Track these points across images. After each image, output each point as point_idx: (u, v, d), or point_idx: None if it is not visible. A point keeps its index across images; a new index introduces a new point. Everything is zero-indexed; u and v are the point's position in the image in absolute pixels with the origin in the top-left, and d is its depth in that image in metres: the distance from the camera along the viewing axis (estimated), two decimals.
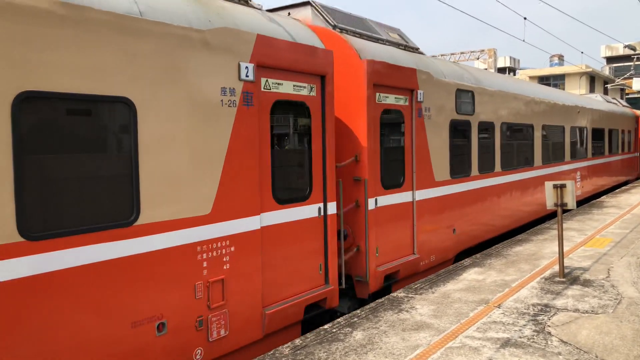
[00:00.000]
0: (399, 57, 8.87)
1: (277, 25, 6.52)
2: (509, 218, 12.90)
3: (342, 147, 8.01)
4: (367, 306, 7.34)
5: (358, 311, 7.12)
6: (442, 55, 46.80)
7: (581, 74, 52.39)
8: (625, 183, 26.84)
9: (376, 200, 8.10)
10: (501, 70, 55.79)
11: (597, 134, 20.84)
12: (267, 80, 6.16)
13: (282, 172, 6.44)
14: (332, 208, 7.14)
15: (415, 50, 10.06)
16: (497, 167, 12.19)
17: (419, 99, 9.00)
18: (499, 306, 7.26)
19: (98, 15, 4.47)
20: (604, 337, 6.05)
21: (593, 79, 55.53)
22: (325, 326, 6.57)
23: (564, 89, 51.49)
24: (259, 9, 6.77)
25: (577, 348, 5.76)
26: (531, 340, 6.00)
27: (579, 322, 6.55)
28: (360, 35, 8.64)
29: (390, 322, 6.67)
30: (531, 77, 53.40)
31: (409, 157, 8.98)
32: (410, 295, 7.85)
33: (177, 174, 5.10)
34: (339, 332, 6.37)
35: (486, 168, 11.68)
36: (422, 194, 9.23)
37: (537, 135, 14.46)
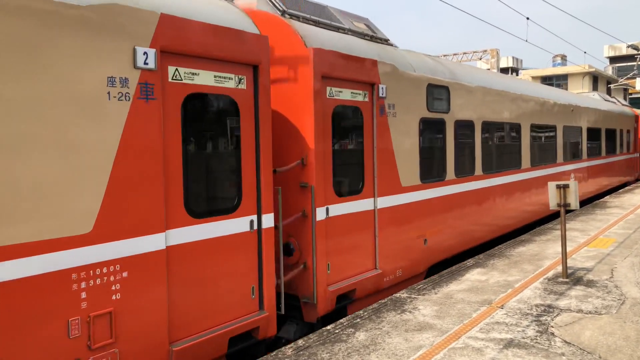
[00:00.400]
0: (358, 48, 7.90)
1: (189, 4, 5.46)
2: (491, 226, 11.80)
3: (286, 148, 7.06)
4: (370, 307, 7.34)
5: (361, 312, 7.12)
6: (444, 55, 46.77)
7: (584, 74, 52.30)
8: (625, 185, 25.99)
9: (327, 209, 7.15)
10: (504, 70, 55.72)
11: (593, 134, 19.76)
12: (176, 69, 5.22)
13: (200, 179, 5.47)
14: (268, 220, 6.12)
15: (383, 41, 9.07)
16: (478, 170, 11.14)
17: (380, 95, 8.04)
18: (502, 307, 7.24)
19: None
20: (608, 338, 6.04)
21: (596, 79, 55.42)
22: (328, 327, 6.57)
23: (566, 89, 51.40)
24: None
25: (580, 349, 5.74)
26: (534, 340, 5.99)
27: (583, 323, 6.53)
28: (316, 23, 7.69)
29: (393, 323, 6.67)
30: (534, 77, 53.33)
31: (370, 160, 7.98)
32: (413, 295, 7.84)
33: (39, 184, 4.13)
34: (341, 332, 6.37)
35: (464, 171, 10.62)
36: (385, 201, 8.20)
37: (525, 135, 13.44)
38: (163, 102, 5.04)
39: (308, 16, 7.64)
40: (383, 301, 7.58)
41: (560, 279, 8.56)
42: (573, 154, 17.42)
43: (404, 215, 8.68)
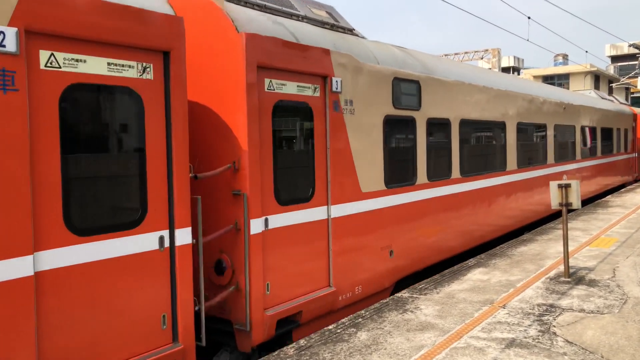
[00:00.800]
0: (309, 36, 7.05)
1: None
2: (471, 233, 10.72)
3: (218, 151, 6.16)
4: (372, 307, 7.33)
5: (362, 312, 7.12)
6: (445, 55, 46.74)
7: (586, 73, 52.23)
8: (623, 186, 25.00)
9: (266, 220, 6.23)
10: (505, 69, 55.69)
11: (588, 133, 18.71)
12: (52, 54, 4.37)
13: (87, 188, 4.56)
14: (184, 236, 5.19)
15: (345, 30, 8.25)
16: (455, 172, 10.16)
17: (334, 89, 7.13)
18: (503, 306, 7.24)
19: None
20: (610, 338, 6.03)
21: (598, 78, 55.36)
22: (330, 327, 6.57)
23: (568, 88, 51.34)
24: None
25: (582, 348, 5.74)
26: (536, 340, 5.99)
27: (585, 323, 6.52)
28: (261, 7, 6.85)
29: (394, 323, 6.67)
30: (535, 77, 53.28)
31: (321, 163, 7.04)
32: (414, 295, 7.84)
33: None
34: (343, 332, 6.37)
35: (439, 174, 9.65)
36: (341, 209, 7.30)
37: (511, 135, 12.46)
38: (31, 93, 4.16)
39: (255, 1, 6.78)
40: (385, 301, 7.57)
41: (562, 279, 8.55)
42: (565, 154, 16.37)
43: (365, 225, 7.74)
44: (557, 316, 6.78)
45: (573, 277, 8.67)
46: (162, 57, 5.09)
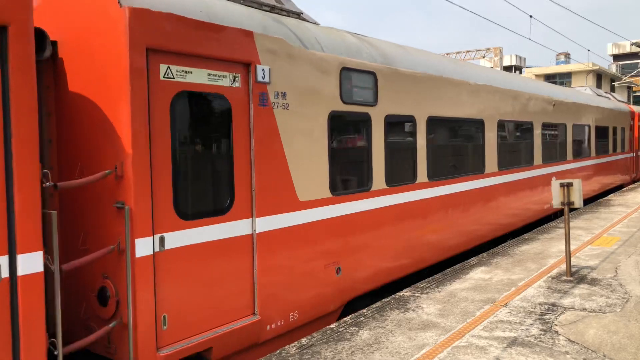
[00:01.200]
0: (229, 14, 5.88)
1: None
2: (443, 243, 9.52)
3: (100, 152, 5.04)
4: (373, 305, 7.34)
5: (364, 310, 7.12)
6: (447, 53, 46.69)
7: (588, 72, 52.15)
8: (619, 187, 23.88)
9: (162, 238, 5.10)
10: (507, 68, 55.62)
11: (582, 132, 17.42)
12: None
13: None
14: (31, 262, 4.04)
15: (291, 14, 7.29)
16: (422, 176, 8.95)
17: (260, 79, 6.01)
18: (505, 305, 7.24)
19: None
20: (612, 336, 6.03)
21: (600, 77, 55.27)
22: (332, 325, 6.57)
23: (570, 87, 51.25)
24: None
25: (584, 347, 5.73)
26: (538, 339, 5.99)
27: (587, 321, 6.52)
28: None
29: (396, 321, 6.67)
30: (537, 75, 53.21)
31: (243, 167, 5.89)
32: (416, 294, 7.84)
33: None
34: (345, 331, 6.37)
35: (402, 178, 8.42)
36: (271, 222, 6.17)
37: (491, 134, 11.24)
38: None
39: None
40: (386, 300, 7.58)
41: (564, 278, 8.55)
42: (555, 155, 14.98)
43: (303, 239, 6.61)
44: (559, 315, 6.78)
45: (575, 276, 8.66)
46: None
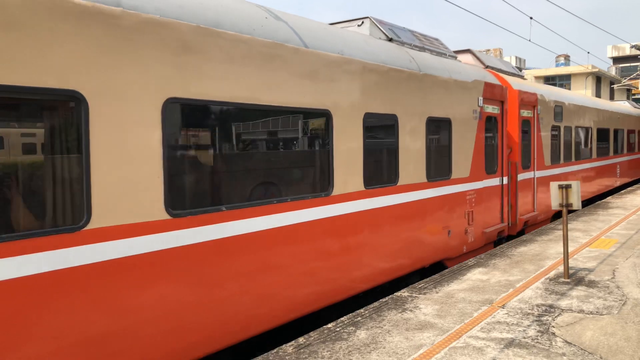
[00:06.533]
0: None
1: None
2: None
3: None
4: (371, 305, 7.33)
5: (362, 310, 7.12)
6: None
7: (587, 74, 52.19)
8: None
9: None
10: None
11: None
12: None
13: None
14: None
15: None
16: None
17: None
18: (503, 306, 7.24)
19: None
20: (609, 338, 6.03)
21: (599, 80, 55.33)
22: (329, 325, 6.57)
23: (570, 89, 51.32)
24: None
25: (581, 349, 5.74)
26: (535, 340, 5.99)
27: (584, 323, 6.52)
28: None
29: (393, 322, 6.67)
30: (537, 77, 53.25)
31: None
32: (414, 294, 7.84)
33: None
34: (342, 331, 6.37)
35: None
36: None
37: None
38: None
39: None
40: (384, 300, 7.57)
41: (562, 279, 8.55)
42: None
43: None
44: (556, 317, 6.78)
45: (573, 277, 8.67)
46: None
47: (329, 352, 5.72)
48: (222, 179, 5.81)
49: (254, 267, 6.03)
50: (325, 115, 7.14)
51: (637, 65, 58.03)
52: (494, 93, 11.86)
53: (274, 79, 6.29)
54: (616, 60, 65.54)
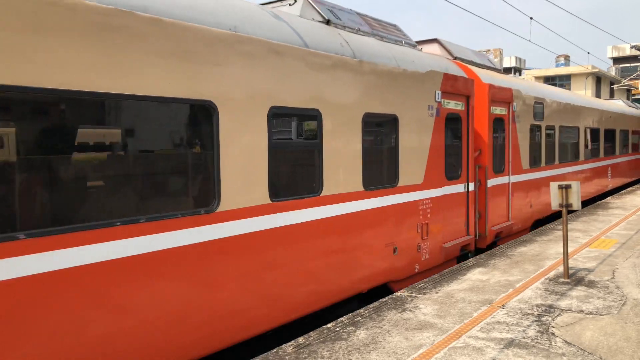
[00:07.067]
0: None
1: None
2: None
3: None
4: (371, 305, 7.33)
5: (361, 310, 7.12)
6: None
7: (587, 75, 52.19)
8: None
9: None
10: (507, 70, 55.68)
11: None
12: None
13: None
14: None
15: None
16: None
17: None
18: (502, 306, 7.24)
19: None
20: (609, 339, 6.03)
21: (599, 80, 55.34)
22: (329, 325, 6.57)
23: (570, 89, 51.32)
24: None
25: (581, 349, 5.74)
26: (535, 340, 5.99)
27: (583, 323, 6.52)
28: None
29: (393, 322, 6.67)
30: (537, 77, 53.26)
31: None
32: (413, 294, 7.84)
33: None
34: (342, 331, 6.37)
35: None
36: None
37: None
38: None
39: None
40: (384, 300, 7.57)
41: (562, 279, 8.55)
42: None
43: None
44: (556, 317, 6.78)
45: (572, 278, 8.67)
46: None
47: (328, 352, 5.72)
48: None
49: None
50: (208, 109, 5.59)
51: (637, 66, 58.04)
52: (457, 86, 10.25)
53: (118, 59, 4.78)
54: (616, 60, 65.54)
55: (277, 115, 6.48)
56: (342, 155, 7.39)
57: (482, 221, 11.54)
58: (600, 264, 9.61)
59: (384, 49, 8.52)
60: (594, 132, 19.78)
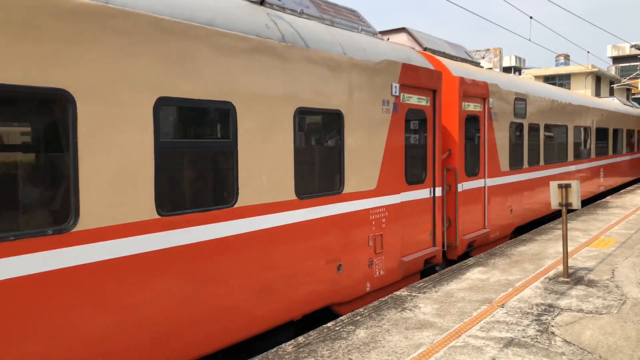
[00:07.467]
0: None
1: None
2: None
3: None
4: (370, 305, 7.34)
5: (361, 309, 7.12)
6: None
7: (587, 74, 52.20)
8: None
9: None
10: (507, 69, 55.67)
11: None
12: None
13: None
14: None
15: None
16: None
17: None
18: (502, 306, 7.24)
19: None
20: (608, 338, 6.03)
21: (599, 79, 55.35)
22: (329, 324, 6.57)
23: (569, 88, 51.33)
24: None
25: (580, 348, 5.74)
26: (535, 340, 5.99)
27: (583, 323, 6.53)
28: None
29: (393, 321, 6.67)
30: (537, 77, 53.27)
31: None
32: (413, 294, 7.84)
33: None
34: (342, 330, 6.37)
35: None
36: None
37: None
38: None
39: None
40: (383, 299, 7.58)
41: (561, 279, 8.55)
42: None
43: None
44: (555, 316, 6.78)
45: (572, 277, 8.67)
46: None
47: (328, 351, 5.72)
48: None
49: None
50: (62, 99, 4.40)
51: (636, 65, 58.06)
52: (420, 79, 9.03)
53: None
54: (616, 59, 65.54)
55: (171, 109, 5.27)
56: (266, 158, 6.21)
57: (452, 230, 10.49)
58: (600, 263, 9.61)
59: (326, 34, 7.35)
60: (585, 132, 18.72)
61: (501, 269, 9.33)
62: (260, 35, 6.15)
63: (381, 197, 8.15)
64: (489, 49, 48.15)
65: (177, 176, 5.38)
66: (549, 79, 53.69)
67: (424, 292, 7.90)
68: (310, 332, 6.30)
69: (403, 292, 7.94)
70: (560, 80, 53.83)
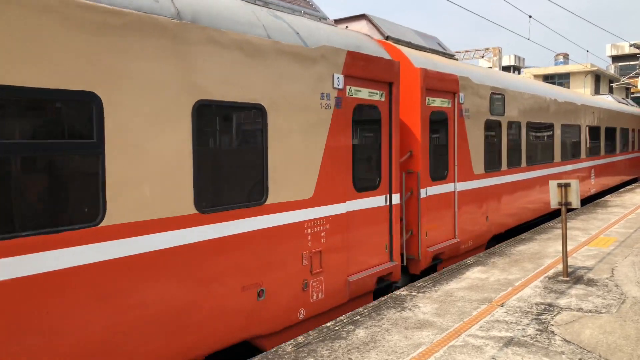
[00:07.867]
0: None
1: None
2: None
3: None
4: (370, 304, 7.34)
5: (361, 309, 7.12)
6: None
7: (586, 73, 52.21)
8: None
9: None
10: (506, 68, 55.69)
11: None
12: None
13: None
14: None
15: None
16: None
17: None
18: (502, 305, 7.25)
19: None
20: (608, 337, 6.04)
21: (598, 78, 55.36)
22: (328, 324, 6.57)
23: (569, 87, 51.33)
24: None
25: (580, 347, 5.74)
26: (534, 339, 5.99)
27: (583, 322, 6.53)
28: None
29: (393, 320, 6.67)
30: (536, 76, 53.28)
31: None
32: (413, 293, 7.84)
33: None
34: (341, 329, 6.37)
35: None
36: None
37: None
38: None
39: None
40: (383, 299, 7.58)
41: (561, 278, 8.56)
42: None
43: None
44: (555, 315, 6.79)
45: (571, 276, 8.68)
46: None
47: (328, 351, 5.72)
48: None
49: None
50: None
51: (636, 64, 58.09)
52: (371, 70, 7.84)
53: None
54: (615, 58, 65.56)
55: (10, 104, 4.06)
56: (148, 163, 4.96)
57: (414, 241, 9.22)
58: (600, 262, 9.62)
59: (245, 14, 6.18)
60: (575, 130, 17.57)
61: (501, 268, 9.34)
62: (144, 10, 4.95)
63: (320, 207, 6.97)
64: (488, 49, 48.17)
65: (16, 189, 4.10)
66: (548, 78, 53.71)
67: (424, 292, 7.90)
68: (310, 332, 6.30)
69: (403, 291, 7.94)
70: (559, 79, 53.85)
